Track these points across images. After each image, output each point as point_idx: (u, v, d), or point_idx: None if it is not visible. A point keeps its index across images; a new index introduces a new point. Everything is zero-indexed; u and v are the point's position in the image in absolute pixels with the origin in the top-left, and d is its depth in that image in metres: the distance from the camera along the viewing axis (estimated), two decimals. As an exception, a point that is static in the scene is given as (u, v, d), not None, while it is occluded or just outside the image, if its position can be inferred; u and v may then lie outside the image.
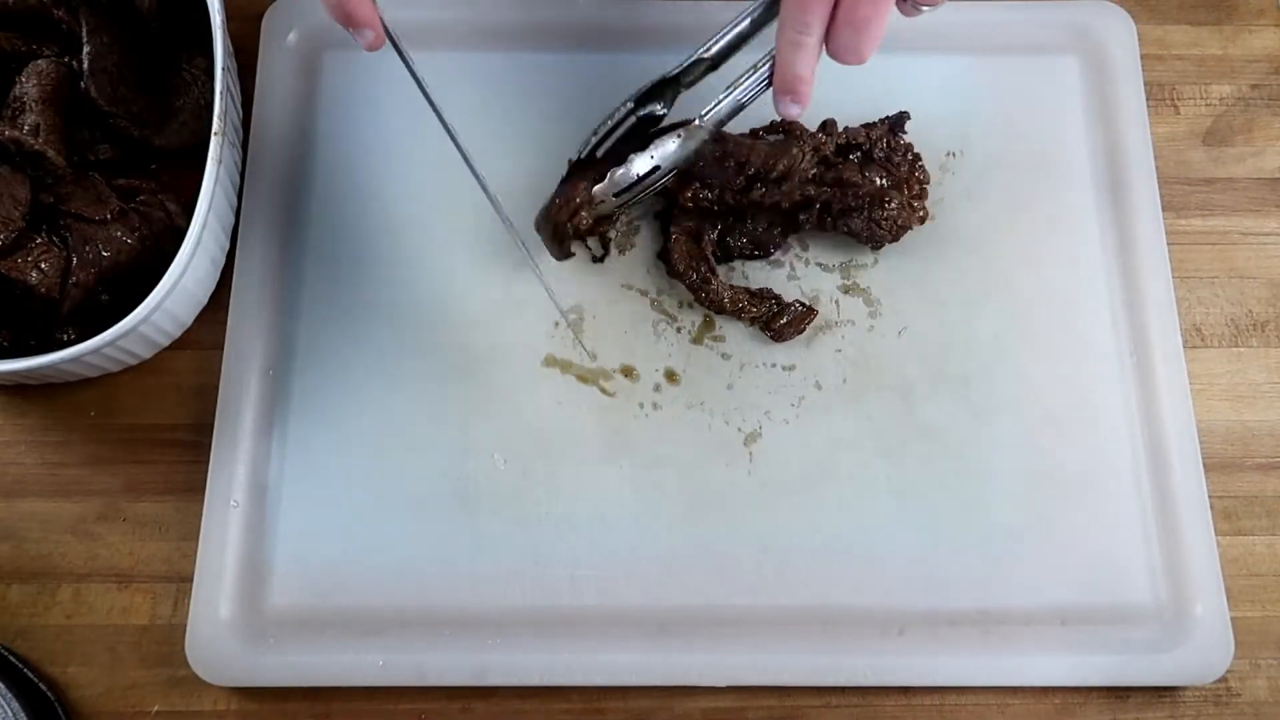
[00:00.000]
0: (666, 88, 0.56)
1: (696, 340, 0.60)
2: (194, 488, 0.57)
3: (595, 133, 0.57)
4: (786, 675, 0.54)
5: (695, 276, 0.59)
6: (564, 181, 0.58)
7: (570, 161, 0.58)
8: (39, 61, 0.57)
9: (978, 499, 0.57)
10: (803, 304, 0.59)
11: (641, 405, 0.58)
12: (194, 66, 0.61)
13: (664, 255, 0.60)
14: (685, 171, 0.58)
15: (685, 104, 0.56)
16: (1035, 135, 0.63)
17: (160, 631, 0.55)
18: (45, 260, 0.54)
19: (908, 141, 0.60)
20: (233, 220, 0.61)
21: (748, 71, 0.54)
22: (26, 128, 0.55)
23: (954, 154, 0.63)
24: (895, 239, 0.60)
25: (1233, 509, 0.58)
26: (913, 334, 0.60)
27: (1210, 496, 0.57)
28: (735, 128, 0.57)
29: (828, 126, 0.60)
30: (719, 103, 0.55)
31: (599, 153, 0.57)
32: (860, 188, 0.58)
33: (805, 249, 0.61)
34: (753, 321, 0.59)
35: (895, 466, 0.57)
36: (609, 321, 0.60)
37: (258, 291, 0.60)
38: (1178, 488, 0.57)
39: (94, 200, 0.56)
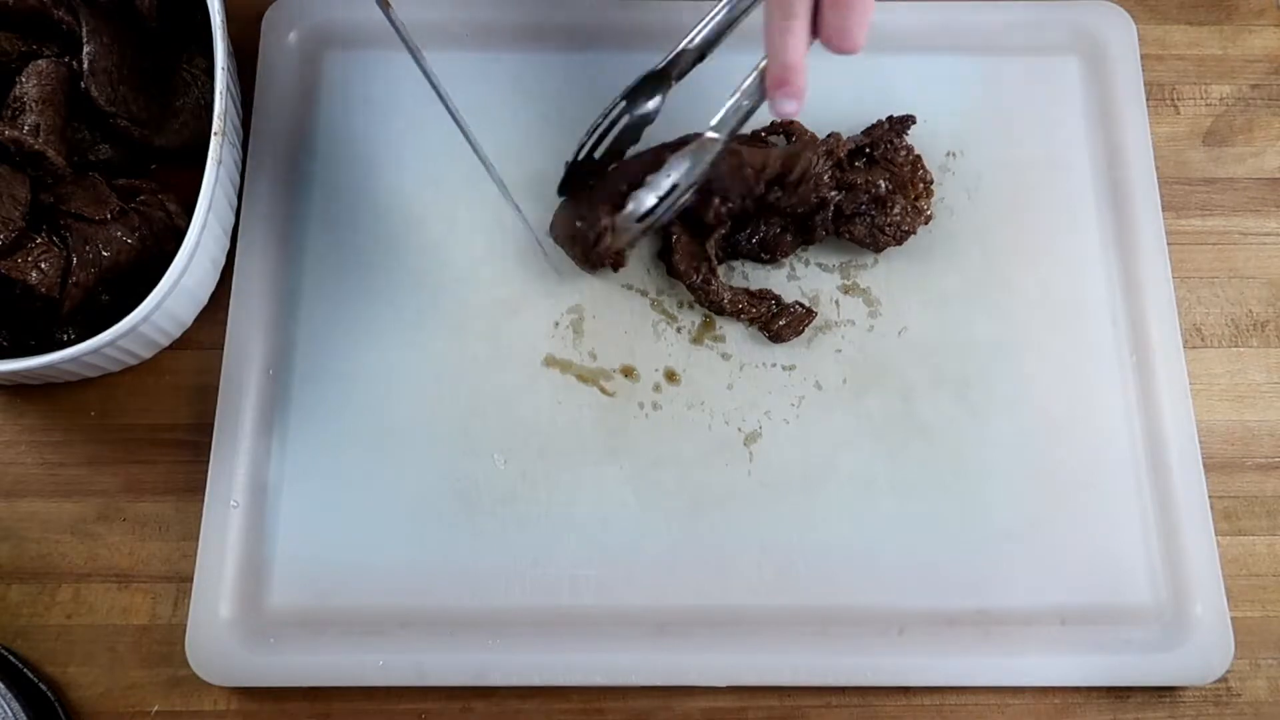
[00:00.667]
0: (656, 82, 0.56)
1: (696, 340, 0.60)
2: (194, 488, 0.57)
3: (589, 134, 0.57)
4: (786, 675, 0.54)
5: (696, 277, 0.59)
6: (564, 184, 0.58)
7: (567, 164, 0.58)
8: (39, 61, 0.57)
9: (977, 499, 0.57)
10: (802, 305, 0.59)
11: (641, 405, 0.58)
12: (194, 66, 0.61)
13: (664, 255, 0.60)
14: (704, 188, 0.57)
15: (679, 100, 0.56)
16: (1035, 135, 0.63)
17: (160, 631, 0.55)
18: (45, 260, 0.54)
19: (908, 143, 0.60)
20: (233, 220, 0.61)
21: (750, 74, 0.53)
22: (26, 128, 0.55)
23: (954, 154, 0.63)
24: (899, 243, 0.60)
25: (1233, 509, 0.58)
26: (913, 334, 0.60)
27: (1210, 496, 0.57)
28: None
29: (834, 138, 0.60)
30: (726, 110, 0.54)
31: (596, 153, 0.57)
32: (864, 190, 0.58)
33: (805, 249, 0.61)
34: (752, 322, 0.59)
35: (895, 466, 0.57)
36: (609, 321, 0.60)
37: (258, 291, 0.60)
38: (1178, 488, 0.57)
39: (94, 200, 0.56)
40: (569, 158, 0.58)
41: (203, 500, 0.56)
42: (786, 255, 0.60)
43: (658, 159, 0.56)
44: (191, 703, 0.55)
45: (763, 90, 0.53)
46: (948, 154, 0.63)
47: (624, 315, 0.60)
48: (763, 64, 0.52)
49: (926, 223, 0.60)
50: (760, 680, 0.54)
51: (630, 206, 0.56)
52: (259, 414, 0.58)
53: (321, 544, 0.56)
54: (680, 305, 0.60)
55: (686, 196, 0.56)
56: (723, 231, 0.60)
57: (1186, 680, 0.55)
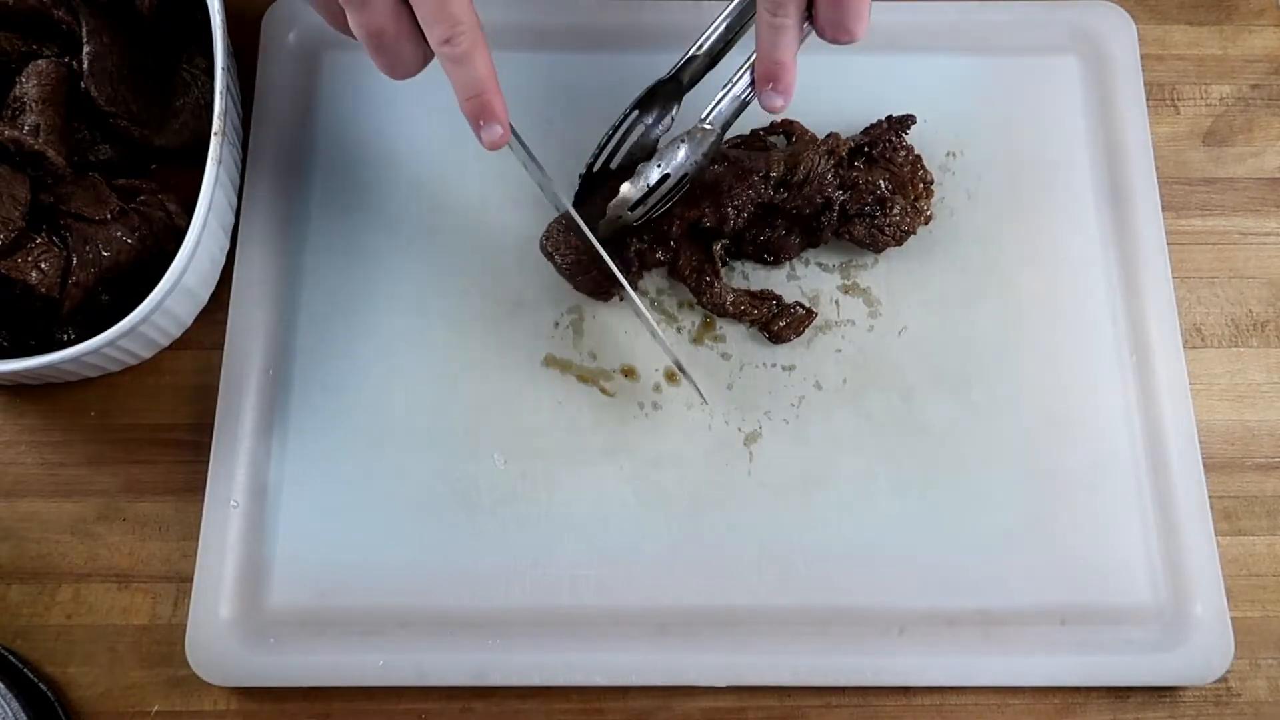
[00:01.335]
0: (667, 90, 0.56)
1: (696, 340, 0.60)
2: (194, 488, 0.57)
3: (601, 146, 0.57)
4: (786, 675, 0.54)
5: (697, 278, 0.59)
6: (579, 197, 0.58)
7: (580, 176, 0.58)
8: (39, 61, 0.57)
9: (978, 499, 0.57)
10: (802, 306, 0.59)
11: (641, 405, 0.58)
12: (194, 66, 0.61)
13: (665, 256, 0.60)
14: (715, 202, 0.57)
15: (688, 106, 0.56)
16: (1035, 135, 0.63)
17: (160, 631, 0.55)
18: (45, 260, 0.54)
19: (908, 143, 0.60)
20: (233, 220, 0.61)
21: (743, 67, 0.53)
22: (26, 128, 0.55)
23: (954, 154, 0.63)
24: (899, 244, 0.60)
25: (1233, 509, 0.58)
26: (913, 334, 0.60)
27: (1210, 496, 0.57)
28: (737, 129, 0.57)
29: (833, 138, 0.60)
30: (719, 101, 0.54)
31: (613, 164, 0.57)
32: (867, 191, 0.58)
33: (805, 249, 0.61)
34: (753, 323, 0.59)
35: (895, 466, 0.57)
36: (609, 321, 0.60)
37: (258, 291, 0.60)
38: (1178, 488, 0.57)
39: (94, 200, 0.56)
40: (582, 170, 0.58)
41: (203, 500, 0.56)
42: (791, 257, 0.60)
43: (651, 153, 0.56)
44: (191, 703, 0.55)
45: (751, 90, 0.53)
46: (948, 154, 0.63)
47: (624, 315, 0.60)
48: (754, 58, 0.52)
49: (926, 223, 0.60)
50: (760, 680, 0.54)
51: (620, 195, 0.56)
52: (259, 414, 0.58)
53: (321, 544, 0.56)
54: (680, 305, 0.60)
55: (683, 187, 0.56)
56: (725, 241, 0.60)
57: (1186, 680, 0.55)
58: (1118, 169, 0.62)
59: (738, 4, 0.54)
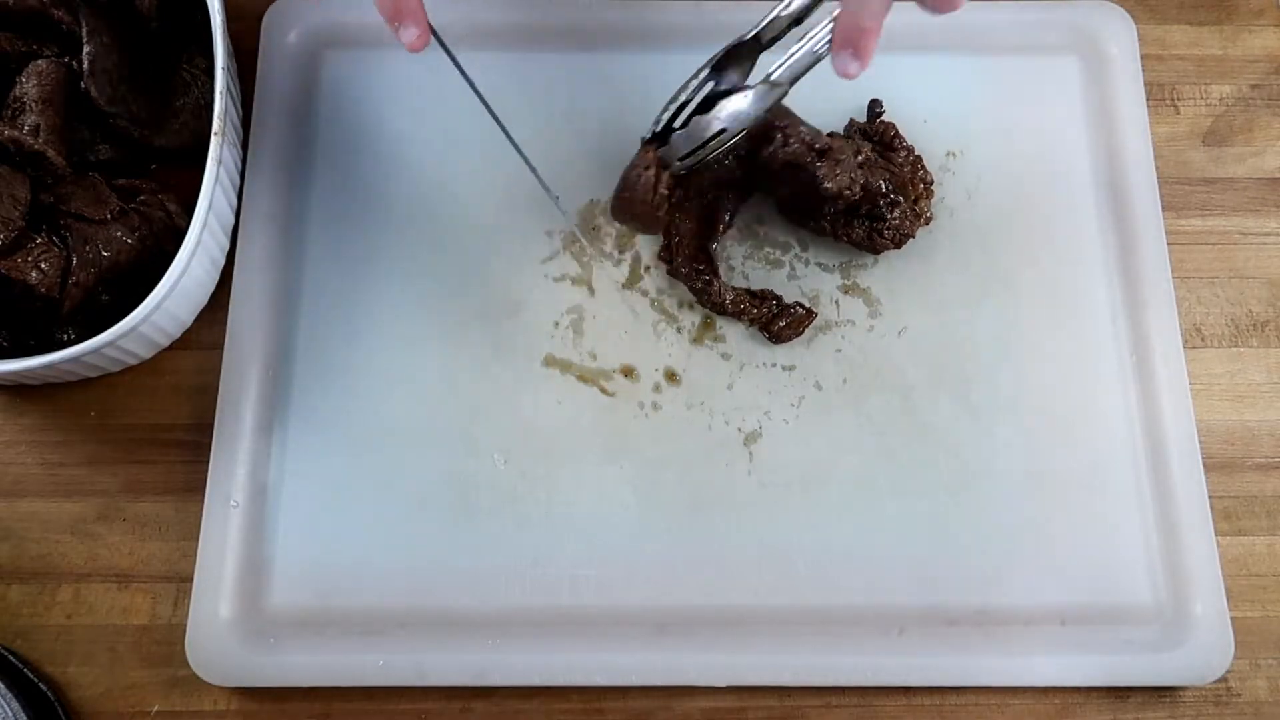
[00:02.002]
0: (743, 52, 0.53)
1: (696, 340, 0.60)
2: (194, 488, 0.57)
3: (667, 108, 0.54)
4: (786, 675, 0.54)
5: (696, 277, 0.59)
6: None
7: (643, 140, 0.55)
8: (39, 61, 0.57)
9: (978, 499, 0.57)
10: (803, 306, 0.59)
11: (641, 405, 0.58)
12: (194, 66, 0.61)
13: (664, 255, 0.60)
14: (768, 124, 0.54)
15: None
16: (1035, 135, 0.63)
17: (160, 631, 0.55)
18: (45, 260, 0.54)
19: (908, 144, 0.60)
20: (233, 220, 0.61)
21: (824, 25, 0.50)
22: (26, 128, 0.55)
23: (954, 154, 0.63)
24: (898, 247, 0.60)
25: (1233, 509, 0.58)
26: (913, 334, 0.60)
27: (1210, 496, 0.57)
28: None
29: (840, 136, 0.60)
30: (792, 55, 0.51)
31: (677, 123, 0.54)
32: (877, 193, 0.58)
33: (805, 249, 0.61)
34: (753, 323, 0.59)
35: (895, 466, 0.57)
36: (609, 321, 0.60)
37: (258, 291, 0.60)
38: (1178, 488, 0.57)
39: (94, 200, 0.56)
40: (645, 134, 0.55)
41: (203, 500, 0.56)
42: (767, 198, 0.59)
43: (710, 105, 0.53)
44: (191, 703, 0.55)
45: (829, 46, 0.50)
46: (948, 154, 0.63)
47: (624, 315, 0.60)
48: (836, 16, 0.49)
49: (926, 224, 0.60)
50: (760, 680, 0.54)
51: (673, 141, 0.53)
52: (259, 414, 0.58)
53: (322, 544, 0.56)
54: (680, 305, 0.60)
55: (737, 139, 0.54)
56: (723, 229, 0.60)
57: (1186, 680, 0.55)
58: (1118, 169, 0.62)
59: None
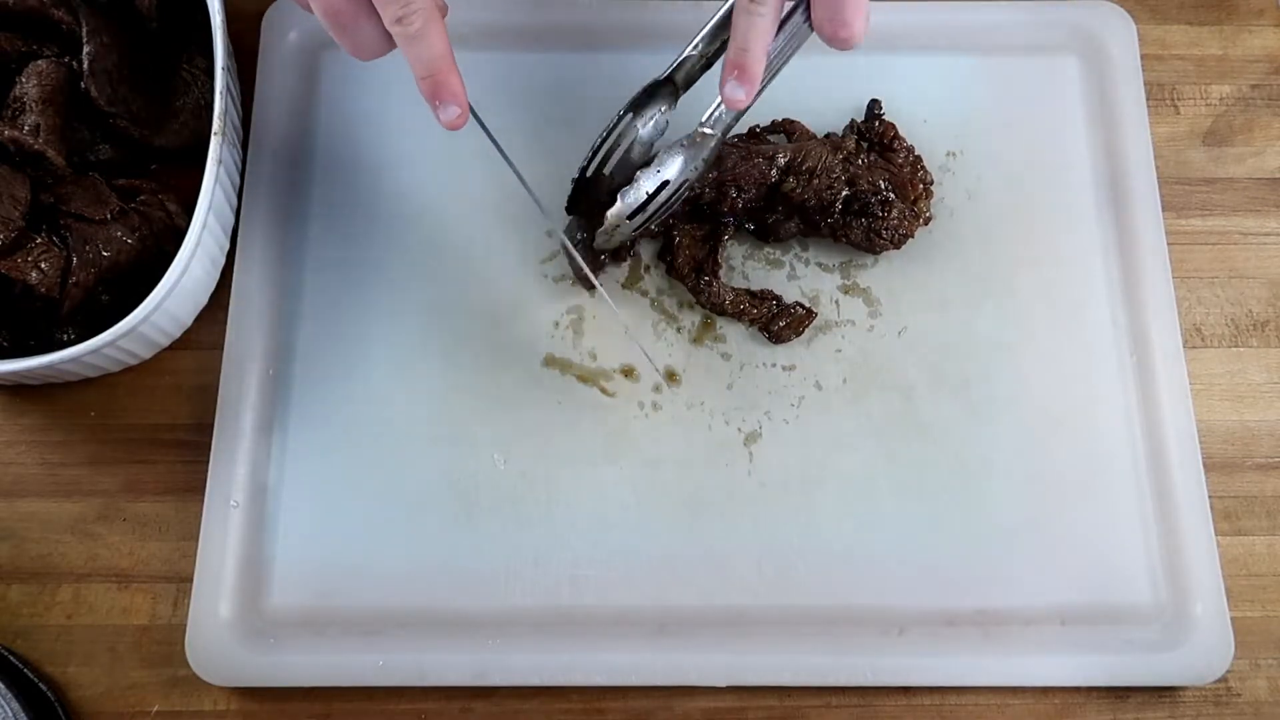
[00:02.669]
0: (662, 92, 0.54)
1: (696, 340, 0.60)
2: (194, 488, 0.57)
3: (594, 149, 0.55)
4: (786, 675, 0.54)
5: (696, 277, 0.59)
6: (571, 201, 0.57)
7: (573, 181, 0.57)
8: (39, 61, 0.57)
9: (978, 499, 0.57)
10: (803, 306, 0.59)
11: (641, 405, 0.58)
12: (194, 66, 0.61)
13: (664, 255, 0.60)
14: (719, 181, 0.56)
15: (684, 108, 0.55)
16: (1035, 135, 0.63)
17: (160, 631, 0.55)
18: (45, 260, 0.54)
19: (909, 144, 0.60)
20: (233, 220, 0.61)
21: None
22: (26, 128, 0.55)
23: (954, 154, 0.63)
24: (897, 247, 0.60)
25: (1233, 509, 0.58)
26: (913, 334, 0.60)
27: (1210, 496, 0.57)
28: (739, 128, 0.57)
29: (833, 138, 0.60)
30: (718, 106, 0.53)
31: (606, 168, 0.56)
32: (871, 193, 0.58)
33: (805, 249, 0.61)
34: (752, 323, 0.59)
35: (895, 466, 0.57)
36: (609, 321, 0.60)
37: (258, 291, 0.60)
38: (1178, 488, 0.57)
39: (94, 200, 0.56)
40: (575, 175, 0.56)
41: (203, 500, 0.56)
42: (784, 239, 0.60)
43: (649, 160, 0.54)
44: (191, 703, 0.55)
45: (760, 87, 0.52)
46: (948, 154, 0.63)
47: (624, 315, 0.60)
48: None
49: (926, 224, 0.60)
50: (760, 680, 0.54)
51: (619, 204, 0.54)
52: (259, 414, 0.58)
53: (321, 544, 0.56)
54: (680, 305, 0.60)
55: (681, 193, 0.55)
56: (728, 236, 0.60)
57: (1186, 680, 0.55)
58: (1118, 169, 0.62)
59: (730, 3, 0.53)
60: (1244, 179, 0.64)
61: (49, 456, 0.58)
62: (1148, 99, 0.64)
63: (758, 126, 0.61)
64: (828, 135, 0.61)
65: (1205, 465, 0.57)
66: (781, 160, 0.57)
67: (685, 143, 0.54)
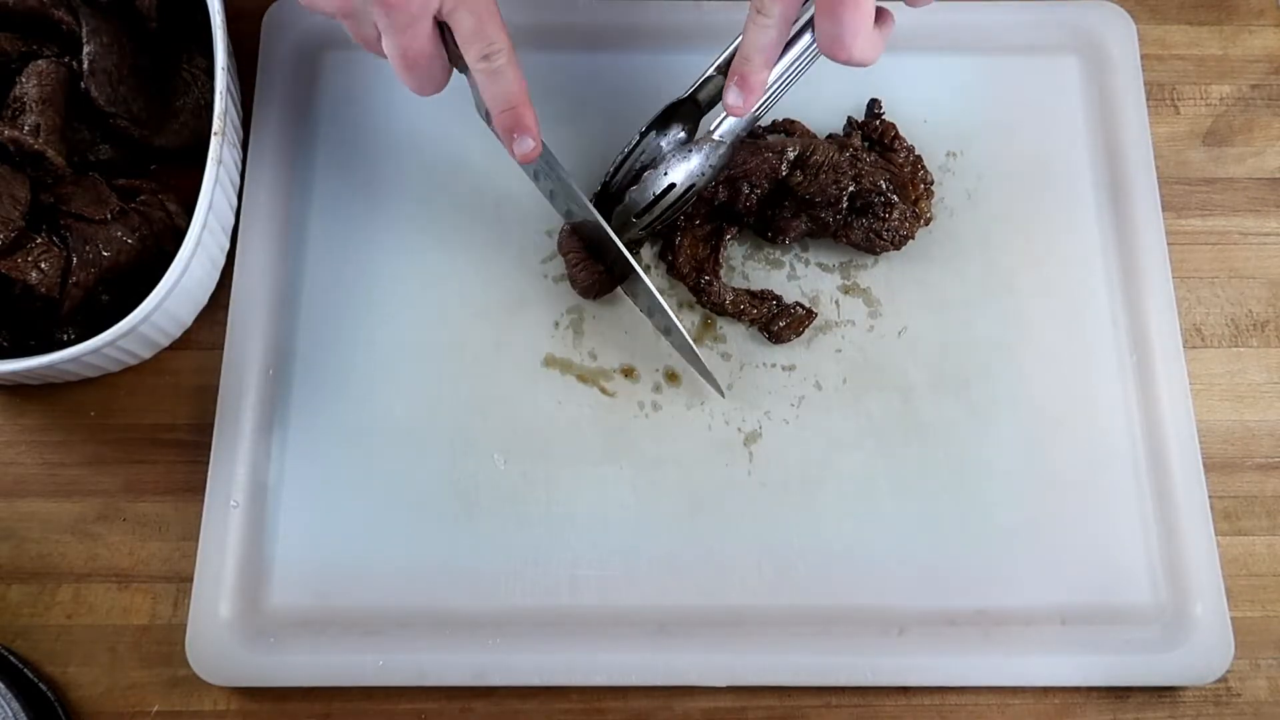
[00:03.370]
0: (683, 111, 0.55)
1: (697, 340, 0.60)
2: (194, 488, 0.57)
3: (617, 166, 0.56)
4: (786, 675, 0.54)
5: (697, 277, 0.59)
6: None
7: (594, 195, 0.58)
8: (39, 61, 0.57)
9: (978, 499, 0.57)
10: (803, 306, 0.59)
11: (641, 405, 0.58)
12: (194, 66, 0.61)
13: (665, 255, 0.60)
14: (730, 177, 0.57)
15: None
16: (1035, 135, 0.63)
17: (160, 631, 0.55)
18: (45, 260, 0.54)
19: (909, 144, 0.60)
20: (233, 220, 0.61)
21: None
22: (26, 128, 0.55)
23: (954, 154, 0.63)
24: (897, 248, 0.60)
25: (1233, 509, 0.58)
26: (913, 334, 0.60)
27: (1210, 496, 0.57)
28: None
29: (837, 136, 0.60)
30: (726, 114, 0.53)
31: (624, 183, 0.56)
32: (874, 192, 0.58)
33: (805, 249, 0.61)
34: (753, 323, 0.59)
35: (895, 466, 0.57)
36: (609, 321, 0.60)
37: (258, 291, 0.60)
38: (1178, 488, 0.57)
39: (94, 200, 0.56)
40: (597, 188, 0.58)
41: (203, 500, 0.56)
42: (791, 237, 0.60)
43: (658, 163, 0.55)
44: (191, 703, 0.55)
45: (772, 95, 0.52)
46: (948, 154, 0.63)
47: (624, 315, 0.60)
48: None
49: (926, 224, 0.60)
50: (760, 680, 0.54)
51: (625, 202, 0.55)
52: (259, 414, 0.58)
53: (321, 544, 0.56)
54: (680, 305, 0.60)
55: (690, 196, 0.56)
56: (731, 236, 0.60)
57: (1186, 680, 0.55)
58: (1118, 169, 0.62)
59: None
60: (1244, 179, 0.64)
61: (49, 456, 0.58)
62: (1148, 99, 0.64)
63: (759, 126, 0.61)
64: (830, 135, 0.61)
65: (1205, 465, 0.57)
66: (791, 154, 0.57)
67: (695, 147, 0.55)
